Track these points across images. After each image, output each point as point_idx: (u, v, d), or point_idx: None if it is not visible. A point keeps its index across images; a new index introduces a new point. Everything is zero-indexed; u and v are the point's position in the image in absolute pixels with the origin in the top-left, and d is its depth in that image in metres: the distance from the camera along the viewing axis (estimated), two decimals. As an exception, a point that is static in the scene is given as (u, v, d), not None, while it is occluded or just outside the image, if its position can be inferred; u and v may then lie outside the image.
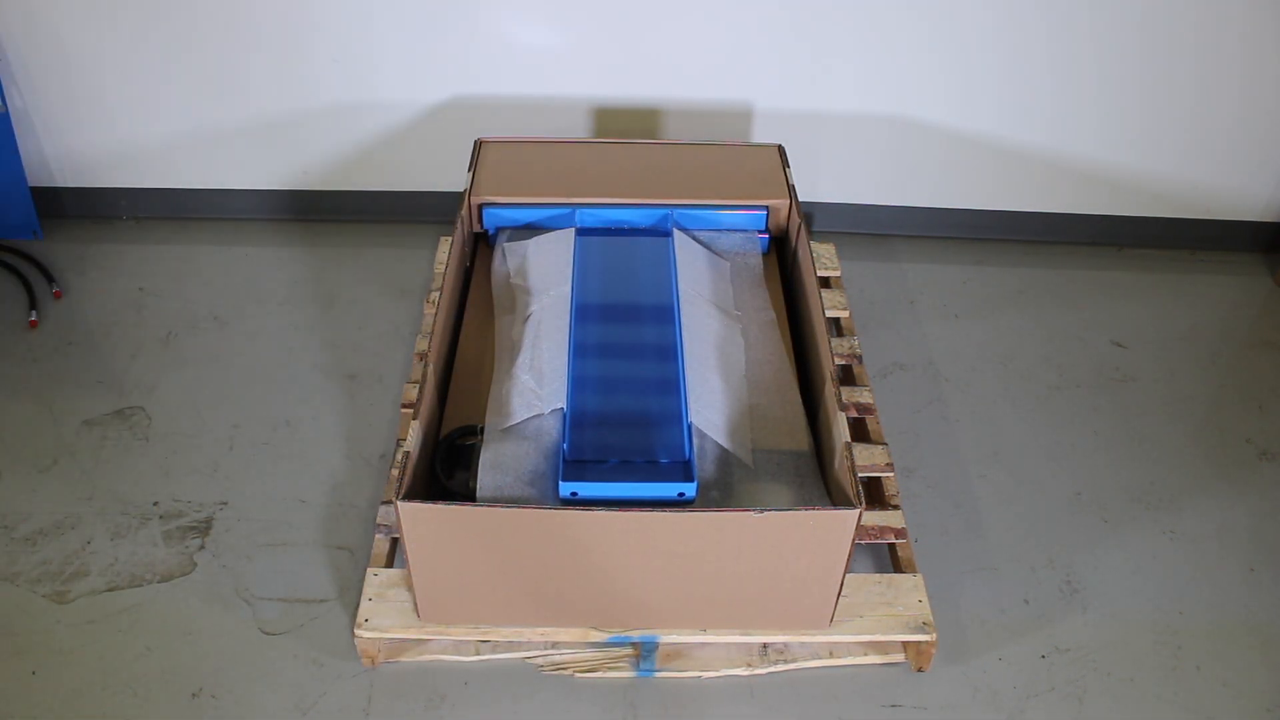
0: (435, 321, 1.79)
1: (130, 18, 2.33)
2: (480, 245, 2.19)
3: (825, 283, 2.36)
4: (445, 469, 1.66)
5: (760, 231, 2.14)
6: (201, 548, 1.86)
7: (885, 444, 1.97)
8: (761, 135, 2.51)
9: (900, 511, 1.84)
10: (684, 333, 1.85)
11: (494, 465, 1.63)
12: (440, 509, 1.48)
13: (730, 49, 2.39)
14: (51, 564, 1.83)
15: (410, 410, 1.71)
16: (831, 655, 1.68)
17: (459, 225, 2.00)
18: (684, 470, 1.59)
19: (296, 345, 2.30)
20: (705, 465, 1.67)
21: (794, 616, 1.63)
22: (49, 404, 2.14)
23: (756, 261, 2.09)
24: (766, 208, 2.12)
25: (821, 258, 2.39)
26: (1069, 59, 2.37)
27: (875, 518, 1.82)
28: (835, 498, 1.59)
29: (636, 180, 2.17)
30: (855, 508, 1.47)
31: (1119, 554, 1.90)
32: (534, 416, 1.72)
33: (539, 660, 1.68)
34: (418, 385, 1.68)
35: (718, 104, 2.47)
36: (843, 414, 1.60)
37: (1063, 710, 1.65)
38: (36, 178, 2.57)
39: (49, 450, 2.04)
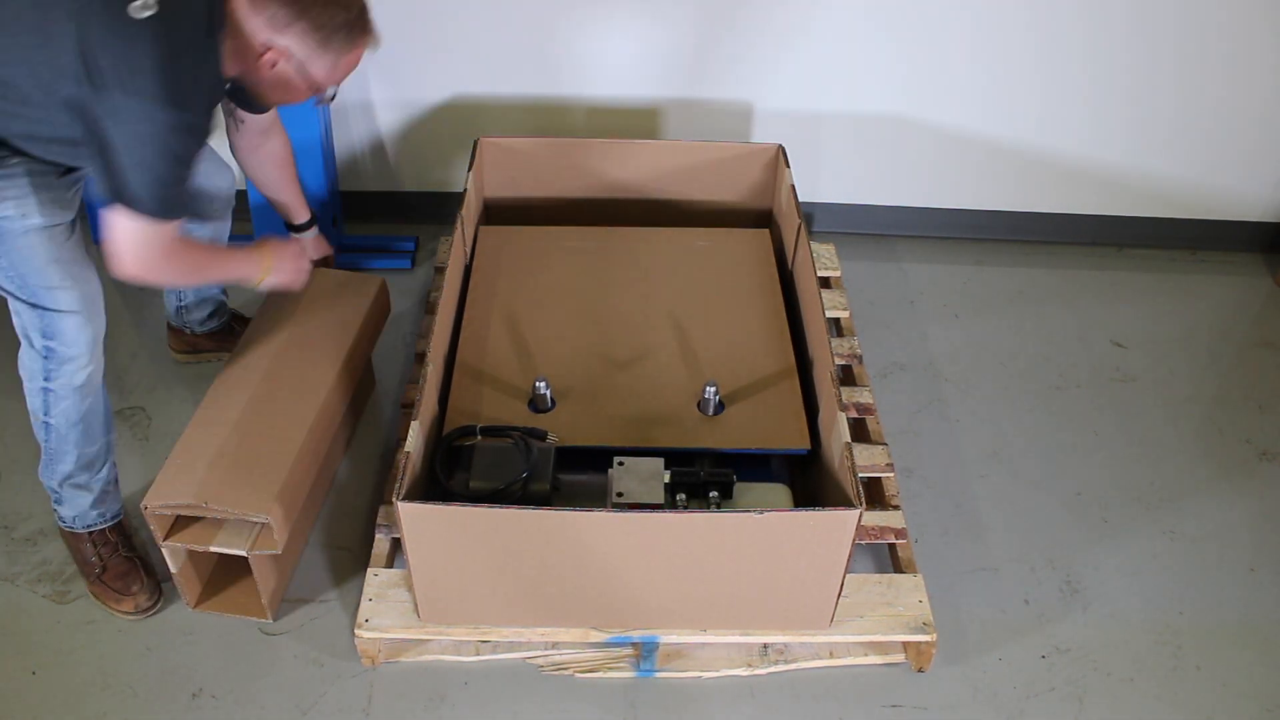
0: (435, 321, 1.80)
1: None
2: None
3: (825, 283, 2.36)
4: (445, 469, 1.66)
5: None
6: (201, 548, 1.86)
7: (885, 444, 1.97)
8: (761, 135, 2.51)
9: (900, 511, 1.84)
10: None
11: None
12: (440, 509, 1.48)
13: (730, 49, 2.39)
14: (51, 564, 1.83)
15: (410, 410, 1.71)
16: (832, 655, 1.68)
17: (459, 225, 2.00)
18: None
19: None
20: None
21: (794, 617, 1.63)
22: (49, 404, 2.13)
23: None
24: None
25: (821, 258, 2.39)
26: (1070, 60, 2.37)
27: (875, 518, 1.82)
28: (835, 498, 1.59)
29: (636, 180, 2.17)
30: (855, 508, 1.47)
31: (1119, 554, 1.90)
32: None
33: (539, 660, 1.68)
34: (418, 385, 1.68)
35: (718, 104, 2.47)
36: (843, 414, 1.60)
37: (1063, 710, 1.65)
38: (36, 178, 2.56)
39: (49, 450, 2.04)
